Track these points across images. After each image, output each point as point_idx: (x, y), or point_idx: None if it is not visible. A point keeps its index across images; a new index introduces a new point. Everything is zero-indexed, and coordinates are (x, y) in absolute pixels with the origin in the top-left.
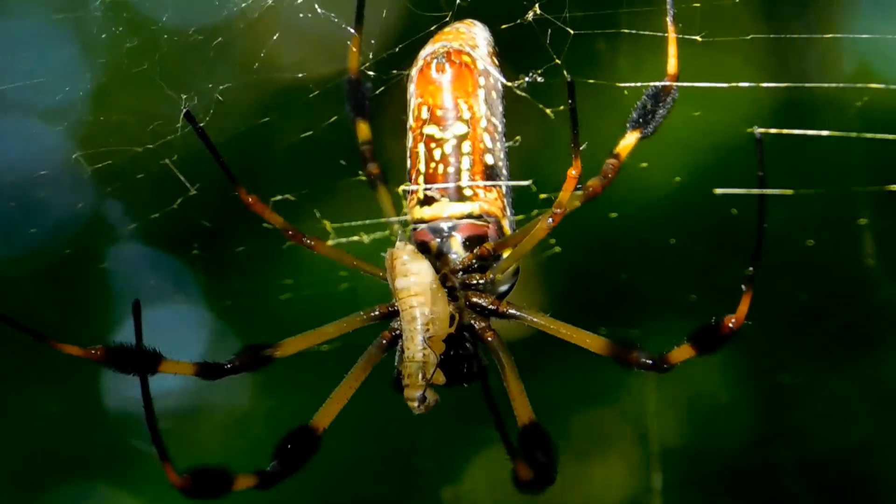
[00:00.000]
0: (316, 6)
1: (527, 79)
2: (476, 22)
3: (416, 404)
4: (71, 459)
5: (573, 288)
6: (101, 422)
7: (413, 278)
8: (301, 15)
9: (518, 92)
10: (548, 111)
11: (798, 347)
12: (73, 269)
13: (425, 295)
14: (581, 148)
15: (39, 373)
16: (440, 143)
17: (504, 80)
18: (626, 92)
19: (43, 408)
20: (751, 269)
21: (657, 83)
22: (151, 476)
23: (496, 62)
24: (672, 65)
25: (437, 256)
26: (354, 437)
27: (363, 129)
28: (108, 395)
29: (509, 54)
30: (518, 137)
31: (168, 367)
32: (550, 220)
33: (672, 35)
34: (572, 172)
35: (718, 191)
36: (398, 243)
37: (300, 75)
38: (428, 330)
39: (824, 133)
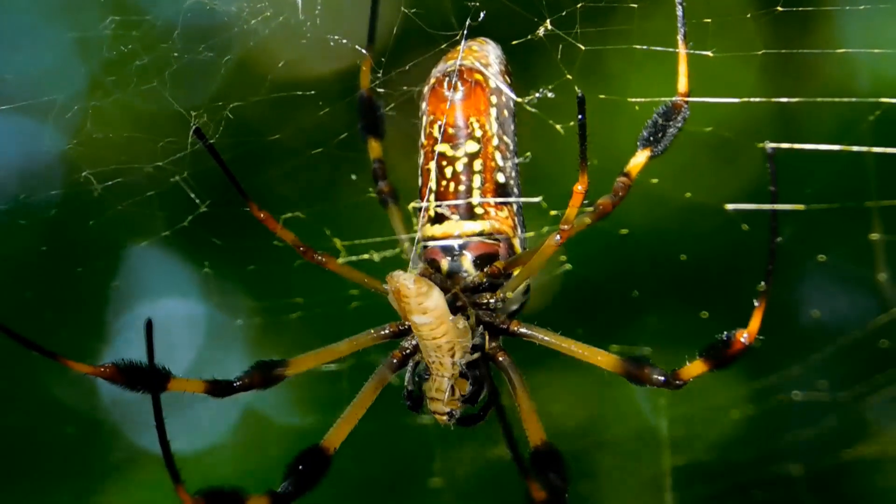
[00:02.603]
0: (324, 22)
1: (537, 95)
2: (488, 40)
3: (446, 419)
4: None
5: (585, 305)
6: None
7: (430, 314)
8: (310, 35)
9: (529, 108)
10: (558, 127)
11: (810, 362)
12: (84, 284)
13: (445, 325)
14: (590, 163)
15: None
16: (452, 161)
17: (515, 97)
18: (637, 108)
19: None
20: (763, 284)
21: (668, 99)
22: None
23: (508, 80)
24: (682, 83)
25: (447, 275)
26: (366, 455)
27: (375, 148)
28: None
29: (520, 71)
30: (529, 154)
31: (177, 385)
32: (558, 237)
33: (683, 53)
34: (578, 188)
35: (729, 207)
36: (398, 273)
37: (311, 92)
38: (454, 354)
39: (836, 147)
